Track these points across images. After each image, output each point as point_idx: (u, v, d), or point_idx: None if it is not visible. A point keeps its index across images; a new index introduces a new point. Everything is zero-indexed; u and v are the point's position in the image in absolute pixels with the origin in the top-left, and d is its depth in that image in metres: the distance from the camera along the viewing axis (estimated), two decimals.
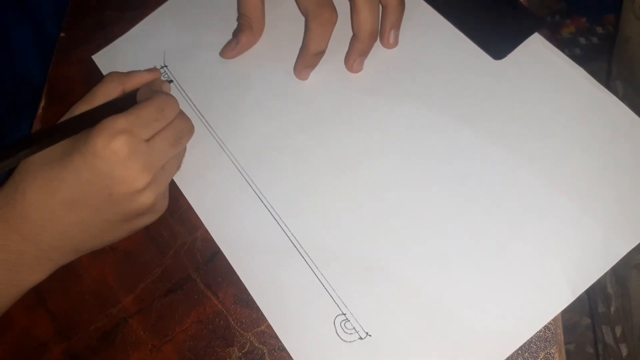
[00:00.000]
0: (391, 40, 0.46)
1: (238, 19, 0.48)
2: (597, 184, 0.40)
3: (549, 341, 0.38)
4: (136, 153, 0.37)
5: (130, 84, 0.43)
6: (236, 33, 0.48)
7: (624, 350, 0.50)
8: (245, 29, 0.47)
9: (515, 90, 0.43)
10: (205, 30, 0.50)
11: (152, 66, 0.49)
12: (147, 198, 0.39)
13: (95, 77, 0.49)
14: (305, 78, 0.46)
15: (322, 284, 0.40)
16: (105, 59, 0.50)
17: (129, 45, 0.51)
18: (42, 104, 0.49)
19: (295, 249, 0.41)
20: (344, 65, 0.46)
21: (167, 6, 0.52)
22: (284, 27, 0.49)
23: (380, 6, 0.44)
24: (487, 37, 0.45)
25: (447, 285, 0.38)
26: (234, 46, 0.48)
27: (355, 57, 0.45)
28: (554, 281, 0.38)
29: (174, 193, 0.44)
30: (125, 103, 0.41)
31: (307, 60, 0.45)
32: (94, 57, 0.51)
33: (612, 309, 0.52)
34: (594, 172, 0.40)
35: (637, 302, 0.45)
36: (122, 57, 0.50)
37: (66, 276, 0.43)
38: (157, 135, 0.40)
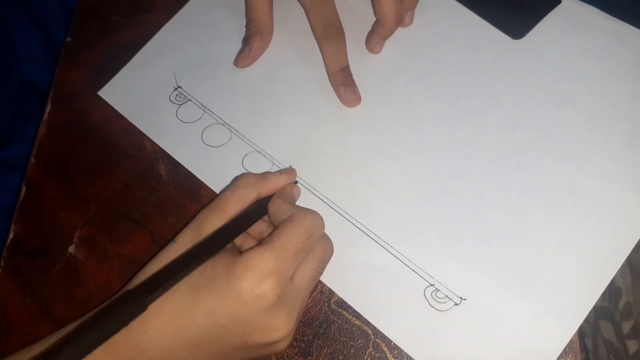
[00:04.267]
0: (407, 21, 0.44)
1: (247, 25, 0.45)
2: None
3: (565, 349, 0.35)
4: (283, 299, 0.30)
5: (266, 190, 0.36)
6: (247, 39, 0.45)
7: (633, 347, 0.47)
8: (256, 34, 0.45)
9: (552, 62, 0.42)
10: (212, 44, 0.47)
11: (165, 91, 0.45)
12: (283, 345, 0.32)
13: (100, 82, 0.46)
14: (353, 96, 0.42)
15: (401, 261, 0.38)
16: (113, 93, 0.46)
17: (134, 73, 0.46)
18: (47, 108, 0.46)
19: (364, 234, 0.39)
20: (362, 47, 0.44)
21: (167, 27, 0.48)
22: (291, 26, 0.46)
23: None
24: (504, 18, 0.43)
25: (522, 236, 0.37)
26: (247, 53, 0.44)
27: (377, 40, 0.43)
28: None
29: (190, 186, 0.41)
30: (260, 212, 0.35)
31: (337, 79, 0.42)
32: (100, 93, 0.46)
33: (622, 302, 0.49)
34: None
35: None
36: (130, 87, 0.46)
37: (71, 283, 0.40)
38: (302, 269, 0.33)
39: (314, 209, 0.35)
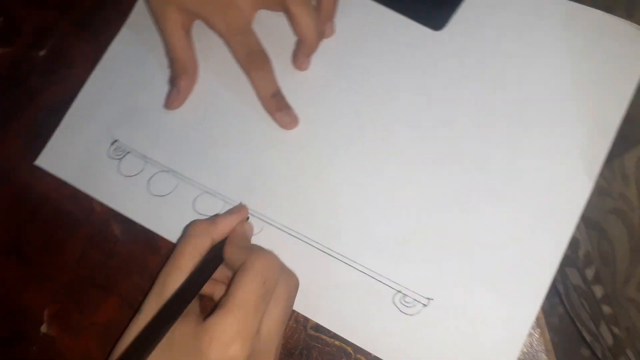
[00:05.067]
0: (328, 32, 0.44)
1: (170, 65, 0.44)
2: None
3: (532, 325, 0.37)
4: (254, 355, 0.30)
5: (219, 234, 0.36)
6: (173, 80, 0.44)
7: (599, 292, 0.50)
8: (181, 74, 0.43)
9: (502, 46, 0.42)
10: (140, 90, 0.45)
11: (102, 148, 0.44)
12: None
13: (35, 150, 0.45)
14: (289, 119, 0.42)
15: (366, 274, 0.38)
16: (51, 160, 0.44)
17: (67, 135, 0.45)
18: None
19: (326, 254, 0.39)
20: (290, 66, 0.44)
21: (91, 80, 0.46)
22: (216, 57, 0.45)
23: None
24: (421, 10, 0.43)
25: (475, 226, 0.38)
26: (176, 94, 0.43)
27: (303, 58, 0.43)
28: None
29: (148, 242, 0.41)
30: (217, 259, 0.35)
31: (270, 105, 0.42)
32: (37, 162, 0.44)
33: (581, 252, 0.51)
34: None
35: (621, 247, 0.44)
36: (66, 150, 0.44)
37: None
38: (268, 316, 0.32)
39: (265, 247, 0.35)
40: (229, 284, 0.32)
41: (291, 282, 0.35)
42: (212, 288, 0.37)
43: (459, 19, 0.43)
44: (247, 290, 0.31)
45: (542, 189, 0.38)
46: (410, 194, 0.40)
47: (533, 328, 0.36)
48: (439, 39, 0.42)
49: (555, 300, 0.75)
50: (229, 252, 0.35)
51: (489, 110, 0.40)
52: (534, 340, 0.37)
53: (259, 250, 0.34)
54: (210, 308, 0.37)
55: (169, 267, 0.34)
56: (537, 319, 0.36)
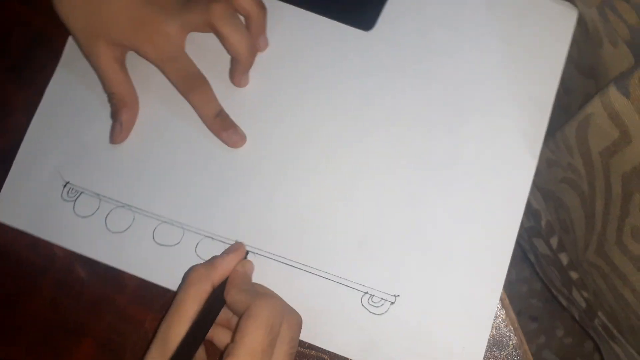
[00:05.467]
0: (262, 46, 0.43)
1: (109, 100, 0.44)
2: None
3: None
4: None
5: (219, 277, 0.36)
6: (114, 115, 0.43)
7: (564, 259, 0.51)
8: (121, 107, 0.43)
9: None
10: (83, 128, 0.44)
11: (54, 191, 0.43)
12: None
13: None
14: (236, 137, 0.42)
15: (333, 281, 0.39)
16: (4, 211, 0.44)
17: (17, 184, 0.44)
18: None
19: (292, 267, 0.39)
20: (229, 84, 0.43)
21: (33, 126, 0.45)
22: (154, 83, 0.44)
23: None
24: (349, 12, 0.43)
25: (430, 217, 0.39)
26: (119, 129, 0.43)
27: (239, 76, 0.42)
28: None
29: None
30: (219, 304, 0.35)
31: (215, 126, 0.42)
32: None
33: (543, 222, 0.53)
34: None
35: (577, 214, 0.45)
36: (19, 199, 0.44)
37: None
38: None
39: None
40: (235, 330, 0.32)
41: (295, 322, 0.35)
42: (211, 331, 0.37)
43: (387, 17, 0.43)
44: (254, 339, 0.31)
45: (488, 172, 0.39)
46: (363, 195, 0.40)
47: (498, 309, 0.37)
48: (370, 39, 0.43)
49: (528, 272, 0.77)
50: (231, 296, 0.34)
51: (427, 102, 0.41)
52: (500, 322, 0.37)
53: (263, 295, 0.34)
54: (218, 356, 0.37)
55: (171, 317, 0.34)
56: (501, 299, 0.37)
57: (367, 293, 0.38)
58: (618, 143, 0.36)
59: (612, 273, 0.40)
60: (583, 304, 0.50)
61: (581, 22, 0.39)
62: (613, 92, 0.33)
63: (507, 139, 0.39)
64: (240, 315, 0.33)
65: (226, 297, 0.35)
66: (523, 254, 0.61)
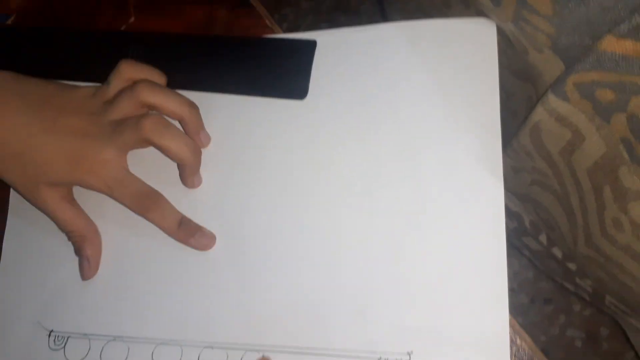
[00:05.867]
0: (204, 142, 0.43)
1: (69, 239, 0.43)
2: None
3: None
4: None
5: None
6: (78, 252, 0.42)
7: (558, 253, 0.51)
8: (82, 243, 0.42)
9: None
10: (51, 272, 0.43)
11: (41, 344, 0.42)
12: None
13: None
14: (205, 240, 0.41)
15: (341, 356, 0.38)
16: None
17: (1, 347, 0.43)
18: None
19: (292, 354, 0.38)
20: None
21: (1, 287, 0.44)
22: (111, 209, 0.43)
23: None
24: (277, 85, 0.43)
25: (420, 268, 0.38)
26: (87, 265, 0.42)
27: (191, 178, 0.42)
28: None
29: None
30: None
31: (180, 236, 0.41)
32: None
33: (527, 222, 0.53)
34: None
35: (556, 212, 0.45)
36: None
37: None
38: None
39: None
40: None
41: None
42: None
43: (317, 81, 0.43)
44: None
45: (460, 203, 0.39)
46: (347, 263, 0.39)
47: (512, 335, 0.37)
48: (307, 106, 0.43)
49: (532, 274, 0.77)
50: None
51: (381, 155, 0.41)
52: (517, 350, 0.37)
53: None
54: None
55: None
56: (512, 326, 0.37)
57: (380, 358, 0.37)
58: (573, 142, 0.36)
59: (608, 263, 0.40)
60: (589, 289, 0.49)
61: (502, 33, 0.40)
62: (553, 100, 0.33)
63: (467, 166, 0.39)
64: None
65: None
66: (518, 252, 0.61)
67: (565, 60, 0.33)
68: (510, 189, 0.48)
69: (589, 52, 0.29)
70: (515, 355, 0.37)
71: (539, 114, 0.35)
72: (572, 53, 0.32)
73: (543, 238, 0.50)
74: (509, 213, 0.53)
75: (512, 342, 0.37)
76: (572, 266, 0.48)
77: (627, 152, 0.32)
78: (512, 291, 0.87)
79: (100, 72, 0.42)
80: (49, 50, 0.48)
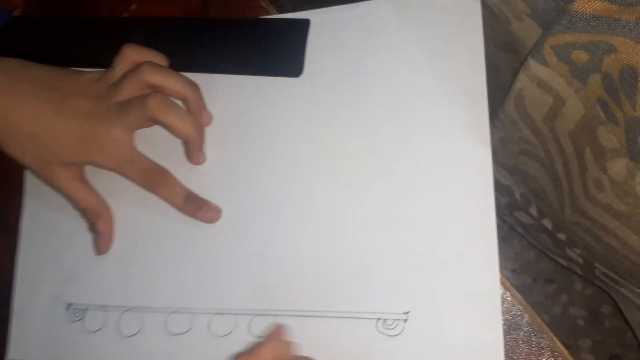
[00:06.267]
0: (206, 120, 0.45)
1: (82, 216, 0.45)
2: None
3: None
4: None
5: None
6: (92, 228, 0.44)
7: (548, 224, 0.53)
8: (96, 219, 0.44)
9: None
10: (68, 249, 0.46)
11: (60, 318, 0.44)
12: None
13: None
14: (211, 214, 0.43)
15: (343, 317, 0.40)
16: (20, 351, 0.45)
17: (23, 323, 0.45)
18: None
19: (297, 317, 0.40)
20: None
21: (21, 265, 0.47)
22: (120, 186, 0.45)
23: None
24: (271, 64, 0.45)
25: (414, 233, 0.40)
26: (100, 240, 0.44)
27: (195, 155, 0.44)
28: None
29: None
30: None
31: (187, 210, 0.43)
32: (9, 358, 0.45)
33: (517, 195, 0.54)
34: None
35: (544, 180, 0.47)
36: (29, 336, 0.45)
37: None
38: None
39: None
40: None
41: None
42: None
43: (311, 58, 0.45)
44: None
45: (450, 171, 0.40)
46: (347, 230, 0.41)
47: (503, 292, 0.38)
48: (304, 83, 0.44)
49: (524, 243, 0.79)
50: None
51: (374, 126, 0.42)
52: (509, 304, 0.39)
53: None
54: None
55: None
56: (502, 283, 0.38)
57: (379, 319, 0.39)
58: (555, 107, 0.38)
59: (593, 226, 0.41)
60: (580, 260, 0.51)
61: (485, 6, 0.41)
62: (533, 64, 0.35)
63: (457, 136, 0.41)
64: None
65: None
66: (511, 229, 0.62)
67: (543, 26, 0.35)
68: (500, 162, 0.50)
69: (563, 14, 0.31)
70: (506, 312, 0.39)
71: (522, 80, 0.37)
72: (548, 18, 0.34)
73: (533, 210, 0.52)
74: (500, 187, 0.54)
75: (503, 299, 0.39)
76: (561, 236, 0.50)
77: (603, 111, 0.33)
78: (514, 272, 0.89)
79: (105, 58, 0.45)
80: (55, 39, 0.50)
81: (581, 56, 0.32)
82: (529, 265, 0.90)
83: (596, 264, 0.48)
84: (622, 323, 0.87)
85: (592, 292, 0.89)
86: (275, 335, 0.39)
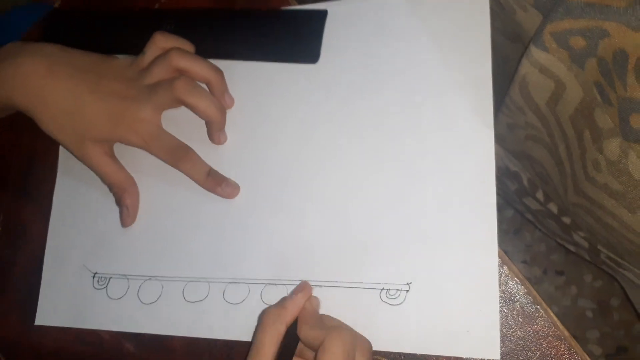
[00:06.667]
0: (228, 103, 0.48)
1: (110, 190, 0.48)
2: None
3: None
4: None
5: (291, 317, 0.38)
6: (118, 201, 0.48)
7: (554, 208, 0.54)
8: (122, 193, 0.47)
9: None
10: (95, 222, 0.49)
11: (86, 284, 0.48)
12: None
13: (28, 312, 0.48)
14: (230, 189, 0.46)
15: (349, 287, 0.42)
16: (47, 315, 0.48)
17: (51, 289, 0.49)
18: None
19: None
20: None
21: (51, 236, 0.50)
22: (146, 161, 0.48)
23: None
24: (288, 51, 0.47)
25: (418, 211, 0.42)
26: (127, 213, 0.47)
27: (216, 135, 0.47)
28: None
29: None
30: (294, 341, 0.37)
31: (208, 185, 0.46)
32: (37, 322, 0.48)
33: (525, 180, 0.56)
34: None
35: (548, 164, 0.48)
36: (56, 301, 0.48)
37: None
38: None
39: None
40: None
41: (366, 348, 0.37)
42: None
43: (328, 46, 0.47)
44: None
45: (454, 153, 0.42)
46: (357, 206, 0.43)
47: (500, 266, 0.40)
48: (320, 69, 0.47)
49: (529, 234, 0.80)
50: (304, 333, 0.37)
51: (386, 111, 0.44)
52: (505, 277, 0.41)
53: (333, 328, 0.37)
54: None
55: (249, 357, 0.36)
56: (500, 257, 0.40)
57: (383, 289, 0.42)
58: (556, 91, 0.39)
59: (593, 206, 0.43)
60: (585, 244, 0.52)
61: None
62: (535, 51, 0.37)
63: (462, 117, 0.43)
64: (315, 349, 0.36)
65: (299, 335, 0.37)
66: (522, 217, 0.64)
67: (544, 14, 0.37)
68: (509, 148, 0.52)
69: (560, 2, 0.33)
70: (503, 283, 0.41)
71: (524, 67, 0.39)
72: (549, 6, 0.36)
73: (540, 195, 0.53)
74: (509, 174, 0.56)
75: (500, 272, 0.41)
76: (566, 220, 0.51)
77: (599, 94, 0.35)
78: (524, 263, 0.91)
79: (137, 46, 0.48)
80: (92, 28, 0.54)
81: (579, 42, 0.34)
82: (539, 257, 0.91)
83: (599, 247, 0.49)
84: (631, 315, 0.88)
85: (601, 285, 0.90)
86: (303, 289, 0.40)
